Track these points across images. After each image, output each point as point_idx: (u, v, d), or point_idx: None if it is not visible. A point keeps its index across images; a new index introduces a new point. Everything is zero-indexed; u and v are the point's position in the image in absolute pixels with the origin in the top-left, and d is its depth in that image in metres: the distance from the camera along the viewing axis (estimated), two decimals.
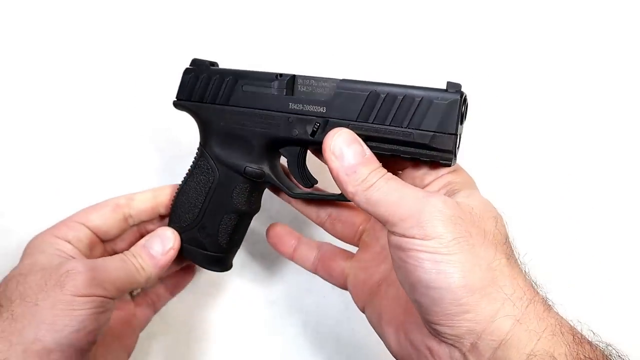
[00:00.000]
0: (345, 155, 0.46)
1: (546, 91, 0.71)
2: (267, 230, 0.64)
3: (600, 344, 0.43)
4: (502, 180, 0.69)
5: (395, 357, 0.51)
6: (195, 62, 0.57)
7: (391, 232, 0.44)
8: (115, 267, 0.54)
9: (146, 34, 0.71)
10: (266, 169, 0.55)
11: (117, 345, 0.60)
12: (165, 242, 0.57)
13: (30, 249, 0.56)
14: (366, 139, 0.49)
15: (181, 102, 0.58)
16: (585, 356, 0.41)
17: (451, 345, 0.43)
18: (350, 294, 0.58)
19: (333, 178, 0.47)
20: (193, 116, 0.58)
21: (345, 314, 0.71)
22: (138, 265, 0.55)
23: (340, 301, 0.71)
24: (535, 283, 0.45)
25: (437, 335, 0.44)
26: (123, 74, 0.71)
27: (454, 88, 0.47)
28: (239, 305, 0.72)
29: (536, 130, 0.71)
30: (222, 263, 0.60)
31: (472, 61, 0.71)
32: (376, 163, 0.47)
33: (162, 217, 0.62)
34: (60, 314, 0.48)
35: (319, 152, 0.56)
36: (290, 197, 0.57)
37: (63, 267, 0.51)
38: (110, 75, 0.70)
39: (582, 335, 0.43)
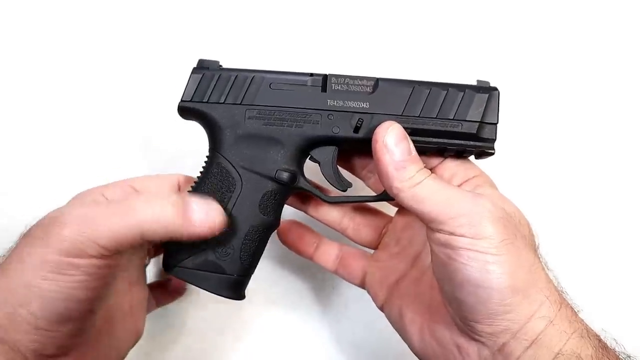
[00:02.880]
0: (394, 150, 0.47)
1: (546, 91, 0.74)
2: (283, 229, 0.62)
3: (622, 355, 0.46)
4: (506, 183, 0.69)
5: (417, 355, 0.53)
6: (204, 63, 0.53)
7: (436, 230, 0.46)
8: (115, 215, 0.44)
9: (146, 35, 0.71)
10: (298, 172, 0.53)
11: (127, 324, 0.54)
12: (210, 215, 0.47)
13: (73, 198, 0.50)
14: (411, 132, 0.50)
15: (190, 104, 0.52)
16: (609, 359, 0.43)
17: (482, 343, 0.45)
18: (368, 292, 0.59)
19: (379, 171, 0.48)
20: (201, 120, 0.53)
21: (345, 314, 0.71)
22: (155, 212, 0.45)
23: (340, 301, 0.72)
24: (562, 290, 0.47)
25: (471, 333, 0.45)
26: (122, 74, 0.71)
27: (484, 85, 0.52)
28: (239, 306, 0.71)
29: (536, 132, 0.73)
30: (240, 287, 0.53)
31: (477, 62, 0.74)
32: (421, 163, 0.48)
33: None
34: (47, 277, 0.42)
35: (347, 156, 0.58)
36: (327, 202, 0.55)
37: (56, 216, 0.44)
38: (110, 76, 0.71)
39: (606, 342, 0.45)
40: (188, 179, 0.55)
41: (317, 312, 0.72)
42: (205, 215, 0.47)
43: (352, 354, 0.71)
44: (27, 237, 0.44)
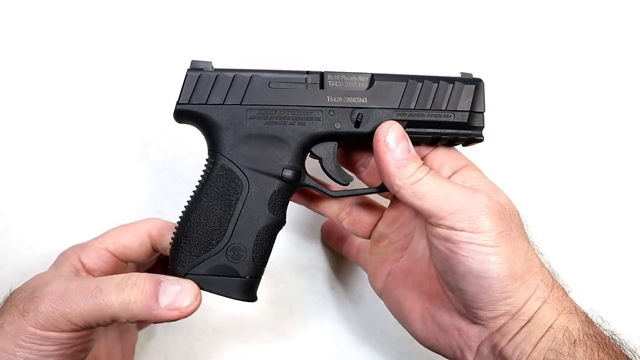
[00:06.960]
0: (395, 149, 0.50)
1: (529, 81, 0.76)
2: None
3: (606, 331, 0.49)
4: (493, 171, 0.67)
5: (418, 340, 0.55)
6: (197, 64, 0.52)
7: (436, 225, 0.48)
8: (84, 296, 0.46)
9: (145, 36, 0.72)
10: (302, 170, 0.54)
11: None
12: (179, 299, 0.48)
13: (56, 260, 0.54)
14: (408, 125, 0.53)
15: (188, 107, 0.51)
16: (594, 332, 0.47)
17: (482, 326, 0.48)
18: (369, 281, 0.63)
19: (380, 169, 0.51)
20: (199, 122, 0.52)
21: (345, 314, 0.72)
22: (123, 299, 0.46)
23: (340, 301, 0.73)
24: (554, 272, 0.50)
25: (473, 318, 0.48)
26: (121, 75, 0.71)
27: (468, 76, 0.55)
28: (238, 306, 0.68)
29: (521, 120, 0.75)
30: (252, 288, 0.52)
31: (459, 54, 0.76)
32: (420, 160, 0.51)
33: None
34: (23, 345, 0.45)
35: (340, 151, 0.59)
36: (332, 197, 0.55)
37: (36, 290, 0.47)
38: (109, 77, 0.71)
39: (592, 319, 0.49)
40: (164, 224, 0.56)
41: (317, 313, 0.72)
42: (173, 299, 0.47)
43: (352, 353, 0.72)
44: (10, 305, 0.47)
